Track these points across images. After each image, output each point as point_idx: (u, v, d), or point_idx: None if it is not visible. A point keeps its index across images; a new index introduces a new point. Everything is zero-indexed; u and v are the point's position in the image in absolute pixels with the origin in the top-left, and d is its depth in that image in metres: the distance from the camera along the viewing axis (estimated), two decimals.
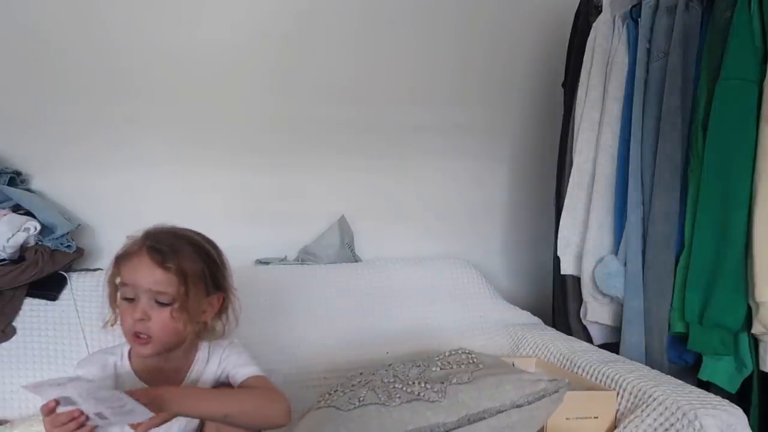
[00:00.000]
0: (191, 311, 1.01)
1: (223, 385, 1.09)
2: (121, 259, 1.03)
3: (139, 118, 1.72)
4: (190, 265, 1.02)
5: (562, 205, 1.77)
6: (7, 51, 1.59)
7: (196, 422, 1.05)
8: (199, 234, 1.10)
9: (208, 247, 1.08)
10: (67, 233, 1.52)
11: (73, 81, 1.66)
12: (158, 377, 1.05)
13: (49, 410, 0.86)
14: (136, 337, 1.00)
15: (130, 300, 1.00)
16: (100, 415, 0.86)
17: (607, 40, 1.70)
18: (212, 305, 1.07)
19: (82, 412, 0.86)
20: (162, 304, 0.99)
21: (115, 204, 1.69)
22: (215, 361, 1.10)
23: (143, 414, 0.86)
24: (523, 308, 1.88)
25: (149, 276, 0.99)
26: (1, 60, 1.59)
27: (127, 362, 1.06)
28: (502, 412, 1.09)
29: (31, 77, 1.62)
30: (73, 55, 1.65)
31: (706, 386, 1.36)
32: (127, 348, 1.08)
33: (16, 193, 1.52)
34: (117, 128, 1.70)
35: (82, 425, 0.87)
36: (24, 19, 1.60)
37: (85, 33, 1.66)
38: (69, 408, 0.85)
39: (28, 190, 1.59)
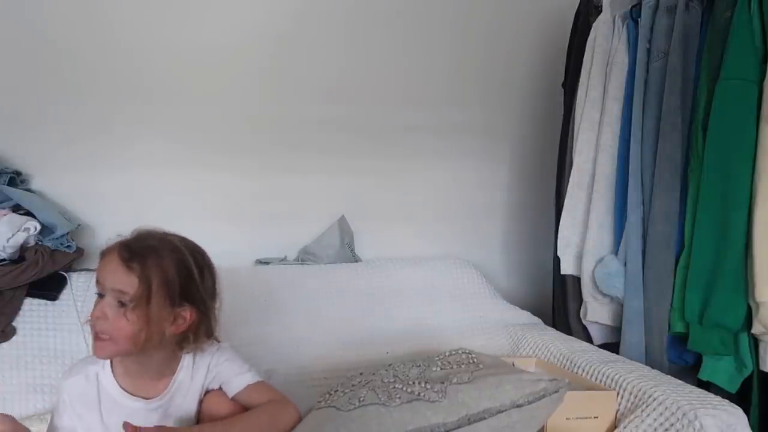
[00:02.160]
0: (151, 318, 0.97)
1: (212, 392, 1.08)
2: (100, 255, 1.02)
3: (139, 119, 1.72)
4: (158, 272, 0.98)
5: (562, 205, 1.77)
6: (9, 51, 1.59)
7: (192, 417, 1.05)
8: (187, 243, 1.05)
9: (189, 259, 1.02)
10: (67, 233, 1.52)
11: (74, 81, 1.66)
12: (140, 385, 1.04)
13: None
14: (96, 336, 0.98)
15: (101, 296, 0.99)
16: None
17: (607, 40, 1.70)
18: (182, 318, 1.02)
19: None
20: (123, 305, 0.97)
21: (115, 204, 1.69)
22: (203, 369, 1.07)
23: None
24: (523, 308, 1.88)
25: (112, 273, 0.97)
26: (2, 60, 1.59)
27: (109, 370, 1.04)
28: (502, 412, 1.09)
29: (32, 78, 1.62)
30: (73, 55, 1.65)
31: (706, 386, 1.36)
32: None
33: (16, 193, 1.52)
34: (117, 128, 1.70)
35: None
36: (26, 21, 1.60)
37: (85, 33, 1.66)
38: None
39: (28, 190, 1.59)
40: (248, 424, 1.03)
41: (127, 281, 0.97)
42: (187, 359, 1.08)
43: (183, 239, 1.06)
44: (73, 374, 1.05)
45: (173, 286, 1.00)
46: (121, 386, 1.04)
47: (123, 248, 0.99)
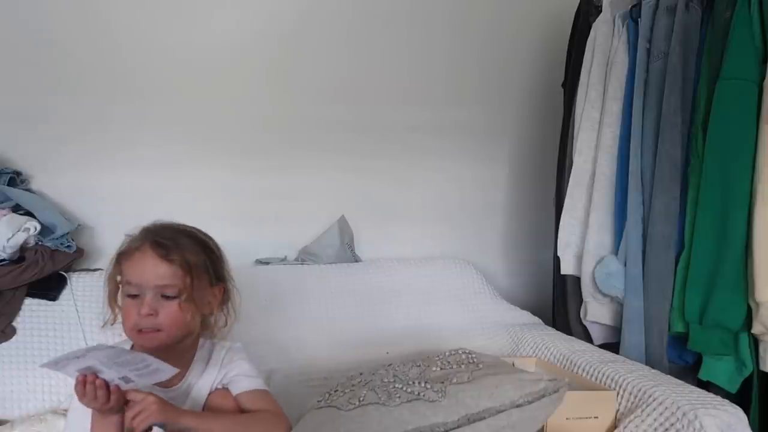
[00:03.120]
0: (197, 302, 1.02)
1: (219, 389, 1.09)
2: (124, 257, 1.03)
3: (139, 119, 1.72)
4: (193, 257, 1.03)
5: (562, 205, 1.77)
6: (9, 50, 1.59)
7: None
8: (195, 228, 1.11)
9: (207, 239, 1.09)
10: (67, 233, 1.52)
11: (74, 81, 1.66)
12: None
13: (80, 386, 0.88)
14: (139, 332, 0.99)
15: (134, 296, 1.00)
16: (125, 379, 0.89)
17: (607, 40, 1.70)
18: (215, 297, 1.08)
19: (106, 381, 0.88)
20: (169, 298, 0.99)
21: (115, 204, 1.69)
22: (216, 364, 1.09)
23: (169, 371, 0.89)
24: (523, 308, 1.88)
25: (154, 271, 0.99)
26: (1, 59, 1.59)
27: None
28: (502, 411, 1.09)
29: (32, 77, 1.62)
30: (73, 55, 1.65)
31: (706, 386, 1.36)
32: (127, 346, 1.07)
33: (16, 193, 1.52)
34: (118, 128, 1.70)
35: (113, 391, 0.88)
36: (26, 20, 1.60)
37: (86, 33, 1.66)
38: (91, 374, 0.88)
39: (28, 190, 1.59)
40: (242, 425, 1.03)
41: (172, 275, 0.99)
42: (202, 351, 1.09)
43: (186, 225, 1.10)
44: None
45: (208, 268, 1.05)
46: None
47: (155, 245, 1.01)
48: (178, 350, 1.06)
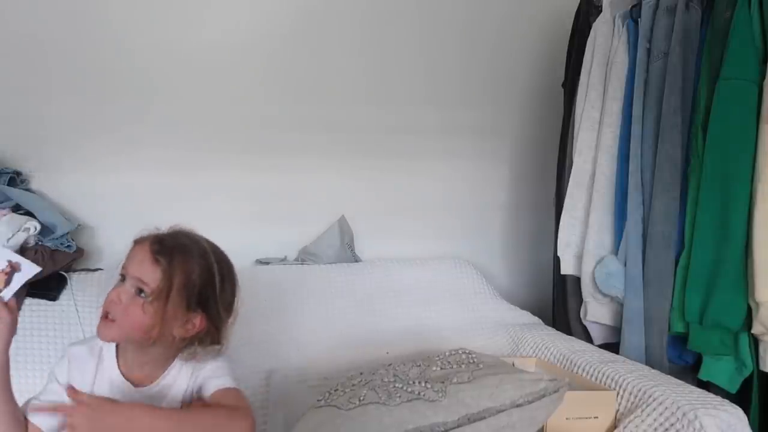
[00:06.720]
0: (166, 316, 0.98)
1: (197, 399, 1.05)
2: (133, 243, 1.03)
3: (139, 119, 1.72)
4: (182, 271, 0.99)
5: (562, 205, 1.77)
6: (8, 51, 1.59)
7: None
8: (217, 252, 1.05)
9: (215, 267, 1.03)
10: (67, 233, 1.52)
11: (74, 81, 1.66)
12: (136, 370, 1.04)
13: None
14: (104, 316, 0.99)
15: (122, 281, 1.00)
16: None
17: (607, 40, 1.70)
18: (191, 324, 1.01)
19: None
20: (140, 295, 0.98)
21: (115, 204, 1.69)
22: (187, 373, 1.05)
23: (30, 269, 0.96)
24: (523, 308, 1.89)
25: (139, 262, 0.99)
26: (2, 60, 1.59)
27: (113, 351, 1.05)
28: (502, 411, 1.09)
29: (32, 77, 1.62)
30: (73, 55, 1.65)
31: (706, 386, 1.36)
32: None
33: (16, 193, 1.52)
34: (117, 128, 1.70)
35: None
36: (26, 20, 1.60)
37: (86, 33, 1.66)
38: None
39: (28, 190, 1.59)
40: (201, 413, 0.99)
41: (150, 273, 0.98)
42: (178, 362, 1.06)
43: (215, 247, 1.06)
44: (79, 343, 1.08)
45: (192, 289, 1.00)
46: (118, 366, 1.04)
47: (155, 241, 1.00)
48: (152, 353, 1.03)
